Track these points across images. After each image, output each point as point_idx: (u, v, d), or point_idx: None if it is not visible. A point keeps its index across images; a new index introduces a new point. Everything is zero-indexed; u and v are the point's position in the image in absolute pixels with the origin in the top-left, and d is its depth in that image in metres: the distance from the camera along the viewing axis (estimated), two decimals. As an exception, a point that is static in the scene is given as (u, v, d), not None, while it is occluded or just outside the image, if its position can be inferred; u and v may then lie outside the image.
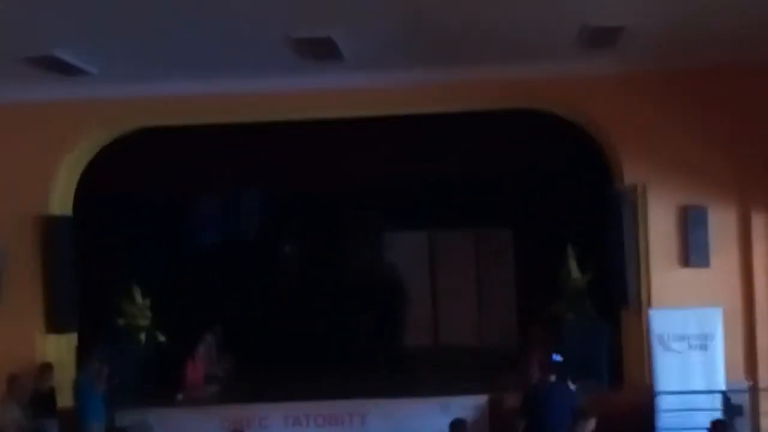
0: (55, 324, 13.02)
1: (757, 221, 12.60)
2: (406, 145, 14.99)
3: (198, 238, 17.61)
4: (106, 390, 12.12)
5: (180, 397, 13.51)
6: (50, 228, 13.07)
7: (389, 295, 17.45)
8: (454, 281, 17.62)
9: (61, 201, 13.40)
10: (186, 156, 14.90)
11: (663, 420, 11.72)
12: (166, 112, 13.09)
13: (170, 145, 14.39)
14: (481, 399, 12.72)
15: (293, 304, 17.04)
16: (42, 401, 12.00)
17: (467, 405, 12.49)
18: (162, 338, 13.97)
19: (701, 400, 11.60)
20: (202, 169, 15.35)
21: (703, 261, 12.59)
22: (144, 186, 15.05)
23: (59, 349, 13.16)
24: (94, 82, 12.10)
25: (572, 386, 11.11)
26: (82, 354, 13.25)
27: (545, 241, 15.09)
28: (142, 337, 13.76)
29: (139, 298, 13.91)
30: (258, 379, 14.53)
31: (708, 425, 9.83)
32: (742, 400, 12.07)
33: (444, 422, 10.84)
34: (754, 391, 12.31)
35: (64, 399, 12.57)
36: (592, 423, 9.68)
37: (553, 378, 11.00)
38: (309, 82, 12.60)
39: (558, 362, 12.10)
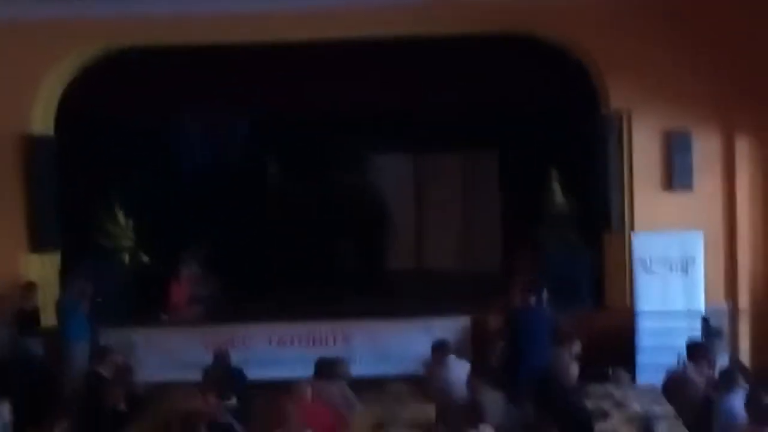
0: (37, 243, 13.01)
1: (740, 145, 12.63)
2: (393, 69, 14.84)
3: (183, 160, 17.44)
4: (89, 309, 12.17)
5: (164, 317, 13.59)
6: (31, 148, 12.99)
7: (374, 219, 17.46)
8: (438, 205, 17.61)
9: (42, 121, 13.29)
10: (171, 78, 14.72)
11: (643, 341, 11.88)
12: (149, 31, 12.90)
13: (155, 67, 14.21)
14: (464, 321, 12.82)
15: (278, 227, 17.01)
16: (26, 320, 12.05)
17: (450, 327, 12.59)
18: (146, 259, 13.99)
19: (681, 323, 11.75)
20: (187, 91, 15.18)
21: (687, 185, 12.64)
22: (128, 108, 14.84)
23: (42, 269, 13.17)
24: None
25: (552, 310, 11.22)
26: (66, 274, 13.28)
27: (531, 166, 15.07)
28: (126, 257, 13.78)
29: (122, 218, 13.89)
30: (242, 300, 14.59)
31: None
32: (722, 322, 12.23)
33: (427, 343, 10.98)
34: (733, 313, 12.48)
35: (48, 318, 12.63)
36: (577, 345, 9.81)
37: (533, 301, 11.11)
38: (296, 2, 12.46)
39: (539, 286, 12.23)
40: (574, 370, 9.27)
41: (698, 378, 9.29)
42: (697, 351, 9.78)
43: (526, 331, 10.66)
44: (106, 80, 13.80)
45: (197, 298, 14.41)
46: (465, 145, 16.24)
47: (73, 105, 13.70)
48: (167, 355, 12.72)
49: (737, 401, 8.24)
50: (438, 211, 17.31)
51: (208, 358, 10.87)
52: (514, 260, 14.12)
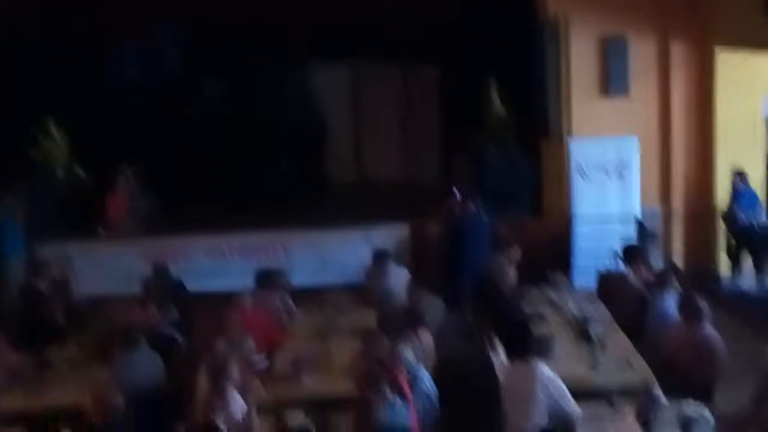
0: (-31, 159, 12.77)
1: (675, 51, 12.71)
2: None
3: (115, 73, 17.12)
4: (24, 225, 12.00)
5: (101, 230, 13.44)
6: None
7: (312, 129, 17.34)
8: (378, 116, 17.52)
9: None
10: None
11: (580, 245, 12.06)
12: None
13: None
14: (403, 229, 12.87)
15: (215, 139, 16.83)
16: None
17: (389, 235, 12.64)
18: (80, 172, 13.77)
19: (616, 226, 11.94)
20: (118, 3, 14.87)
21: (623, 91, 12.71)
22: (58, 20, 14.51)
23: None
24: None
25: (490, 217, 11.31)
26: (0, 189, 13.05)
27: (469, 74, 15.03)
28: (60, 171, 13.54)
29: (55, 132, 13.60)
30: (180, 213, 14.46)
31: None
32: (656, 225, 12.45)
33: (366, 252, 11.04)
34: (666, 217, 12.70)
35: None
36: (515, 251, 9.92)
37: (472, 209, 11.19)
38: None
39: (476, 195, 12.32)
40: (512, 275, 9.42)
41: (633, 279, 9.47)
42: (631, 253, 9.94)
43: (465, 239, 10.77)
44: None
45: (134, 211, 14.25)
46: (404, 54, 16.08)
47: (3, 19, 13.28)
48: (105, 268, 12.60)
49: (670, 302, 8.42)
50: (377, 121, 17.21)
51: (147, 271, 10.79)
52: (453, 169, 14.16)
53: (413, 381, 7.16)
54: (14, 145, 14.07)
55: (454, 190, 13.09)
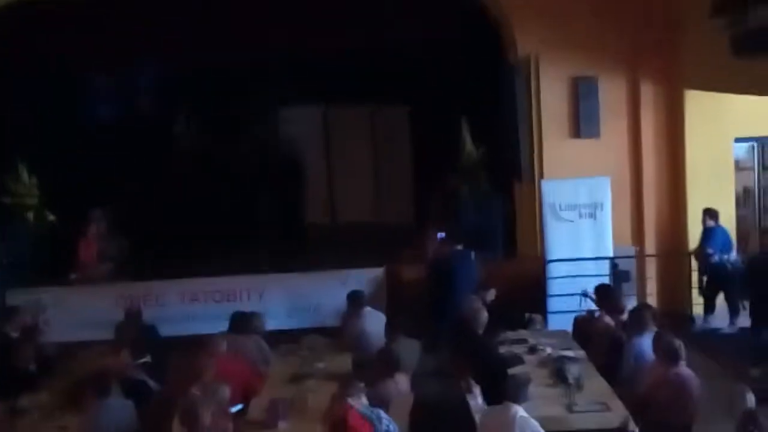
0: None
1: (645, 91, 12.85)
2: (304, 16, 14.71)
3: (88, 114, 17.10)
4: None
5: (73, 276, 13.31)
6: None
7: (285, 172, 17.33)
8: (350, 157, 17.57)
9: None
10: (77, 27, 14.35)
11: (554, 287, 12.06)
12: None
13: (60, 18, 13.84)
14: (379, 272, 12.85)
15: (187, 181, 16.77)
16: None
17: (365, 278, 12.59)
18: (51, 217, 13.67)
19: (590, 267, 11.96)
20: (94, 41, 14.83)
21: (594, 132, 12.82)
22: (32, 59, 14.46)
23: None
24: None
25: (474, 258, 11.31)
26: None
27: (441, 116, 15.12)
28: (30, 216, 13.42)
29: (25, 176, 13.51)
30: (153, 257, 14.37)
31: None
32: (629, 265, 12.48)
33: (342, 295, 10.97)
34: (640, 256, 12.75)
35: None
36: (490, 293, 9.93)
37: (455, 250, 11.18)
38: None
39: (444, 239, 12.32)
40: (484, 316, 9.36)
41: (607, 320, 9.47)
42: (605, 294, 9.97)
43: (452, 279, 10.71)
44: (8, 31, 13.36)
45: (106, 256, 14.14)
46: (375, 96, 16.17)
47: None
48: (77, 314, 12.45)
49: (646, 342, 8.43)
50: (349, 163, 17.24)
51: (119, 317, 10.69)
52: (428, 210, 14.20)
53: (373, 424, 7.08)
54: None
55: (437, 230, 13.14)
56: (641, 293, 12.57)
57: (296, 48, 15.15)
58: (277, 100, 17.42)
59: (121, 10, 13.93)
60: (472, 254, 11.26)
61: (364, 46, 14.86)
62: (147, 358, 9.25)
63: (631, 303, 10.57)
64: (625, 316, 9.46)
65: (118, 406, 7.91)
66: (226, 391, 7.82)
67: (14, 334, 9.96)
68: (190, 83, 16.66)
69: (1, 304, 11.66)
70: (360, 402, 7.20)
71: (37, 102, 15.61)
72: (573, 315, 10.51)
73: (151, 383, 8.85)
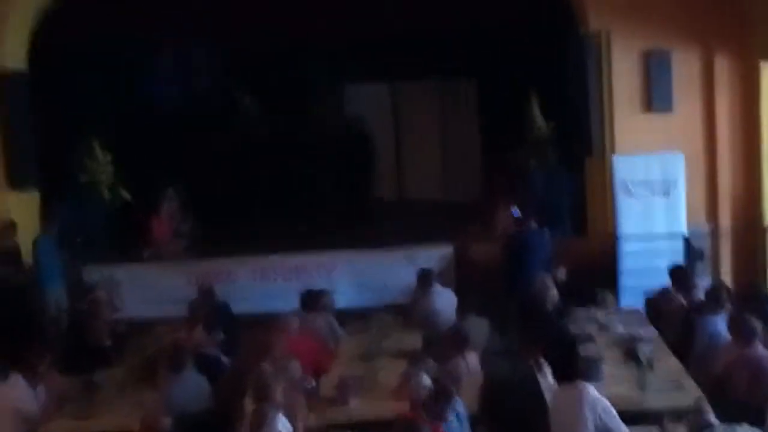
0: (15, 182, 12.88)
1: (720, 66, 12.54)
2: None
3: (157, 93, 17.31)
4: (66, 248, 12.15)
5: (146, 253, 13.54)
6: (5, 83, 12.79)
7: (353, 149, 17.34)
8: (417, 133, 17.52)
9: (14, 55, 13.06)
10: (145, 10, 14.55)
11: (626, 264, 11.93)
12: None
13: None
14: (447, 249, 12.82)
15: (256, 159, 16.89)
16: (5, 260, 11.97)
17: (433, 256, 12.57)
18: (126, 195, 13.87)
19: (663, 245, 11.80)
20: (161, 24, 15.01)
21: (666, 106, 12.57)
22: (100, 40, 14.68)
23: (21, 208, 13.07)
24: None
25: (548, 235, 11.24)
26: (46, 212, 13.21)
27: (510, 91, 14.98)
28: (105, 193, 13.64)
29: (99, 153, 13.71)
30: (224, 234, 14.53)
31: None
32: (703, 243, 12.28)
33: (410, 273, 11.01)
34: (714, 234, 12.53)
35: (27, 257, 12.58)
36: (561, 271, 9.88)
37: (530, 226, 11.11)
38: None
39: (518, 216, 12.24)
40: (554, 294, 9.31)
41: (681, 299, 9.35)
42: (679, 273, 9.84)
43: (527, 256, 10.64)
44: (81, 13, 13.57)
45: (179, 233, 14.36)
46: (443, 71, 16.07)
47: (46, 39, 13.46)
48: (151, 291, 12.69)
49: (720, 322, 8.31)
50: (418, 139, 17.19)
51: (192, 294, 10.84)
52: (495, 186, 14.11)
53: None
54: (59, 167, 14.26)
55: (510, 207, 13.09)
56: (715, 272, 12.35)
57: (363, 24, 15.14)
58: (344, 77, 17.43)
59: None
60: (546, 231, 11.18)
61: (430, 22, 14.79)
62: (220, 335, 9.39)
63: (705, 282, 10.43)
64: (698, 295, 9.33)
65: (192, 382, 8.05)
66: (296, 367, 7.90)
67: (89, 311, 10.16)
68: (257, 61, 16.77)
69: (76, 281, 11.86)
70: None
71: (110, 82, 15.86)
72: (645, 292, 10.39)
73: (224, 359, 8.98)
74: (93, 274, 12.51)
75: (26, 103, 13.04)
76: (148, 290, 12.68)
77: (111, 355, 9.39)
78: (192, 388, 8.00)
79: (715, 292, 8.81)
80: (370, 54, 16.43)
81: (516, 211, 12.89)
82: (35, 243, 12.21)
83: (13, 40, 13.01)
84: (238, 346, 9.70)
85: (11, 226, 12.30)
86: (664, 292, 9.82)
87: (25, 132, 13.00)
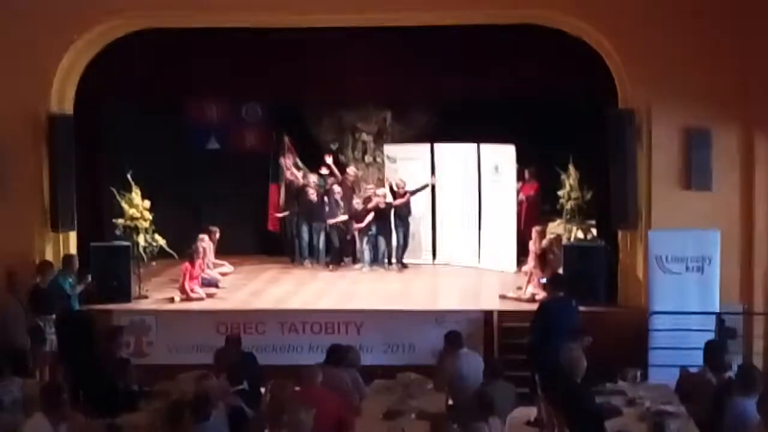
0: (54, 222, 13.08)
1: (759, 145, 12.53)
2: (409, 59, 14.89)
3: (197, 143, 17.54)
4: (81, 293, 12.30)
5: (177, 299, 13.62)
6: (51, 127, 13.03)
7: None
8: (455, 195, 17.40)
9: (61, 100, 13.33)
10: (188, 60, 14.82)
11: (656, 340, 11.83)
12: (167, 12, 12.96)
13: (172, 49, 14.30)
14: (477, 313, 12.81)
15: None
16: (40, 299, 12.07)
17: (462, 318, 12.59)
18: (161, 241, 13.99)
19: (695, 322, 11.69)
20: (203, 74, 15.27)
21: (706, 184, 12.54)
22: (145, 88, 14.94)
23: (57, 247, 13.24)
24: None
25: (577, 304, 11.17)
26: (82, 253, 13.35)
27: (549, 159, 15.01)
28: (141, 238, 13.77)
29: (138, 199, 13.86)
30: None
31: (700, 345, 9.92)
32: (736, 322, 12.15)
33: (438, 334, 10.95)
34: (748, 314, 12.39)
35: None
36: (587, 340, 9.78)
37: (560, 293, 11.06)
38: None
39: (546, 283, 12.19)
40: (582, 365, 9.19)
41: (711, 377, 9.22)
42: (711, 350, 9.70)
43: (552, 325, 10.56)
44: (125, 60, 13.83)
45: (210, 281, 14.46)
46: (482, 138, 16.11)
47: (91, 84, 13.73)
48: (180, 337, 12.76)
49: (750, 403, 8.17)
50: (454, 200, 17.10)
51: (219, 342, 10.87)
52: (530, 254, 14.09)
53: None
54: (97, 209, 14.44)
55: (539, 275, 13.08)
56: (747, 351, 12.20)
57: (401, 90, 15.40)
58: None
59: (230, 45, 14.33)
60: (573, 302, 11.13)
61: (472, 89, 14.93)
62: (244, 386, 9.37)
63: (736, 361, 10.30)
64: (729, 374, 9.20)
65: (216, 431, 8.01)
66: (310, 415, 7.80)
67: (119, 353, 10.19)
68: (296, 120, 17.13)
69: (108, 324, 11.92)
70: None
71: (149, 129, 16.14)
72: (674, 369, 10.26)
73: (248, 411, 8.94)
74: (124, 317, 12.60)
75: (71, 145, 13.26)
76: (176, 336, 12.76)
77: (136, 399, 9.39)
78: (215, 437, 7.96)
79: (745, 373, 8.67)
80: (409, 116, 16.77)
81: (543, 279, 12.88)
82: (55, 280, 12.27)
83: (60, 87, 13.29)
84: (261, 397, 9.67)
85: (46, 266, 12.41)
86: (696, 371, 9.66)
87: (68, 175, 13.21)
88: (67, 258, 12.65)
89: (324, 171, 16.44)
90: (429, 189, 16.61)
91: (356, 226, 16.02)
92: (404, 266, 16.14)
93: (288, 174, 16.38)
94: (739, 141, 12.63)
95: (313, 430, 8.09)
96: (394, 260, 16.22)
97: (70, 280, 12.30)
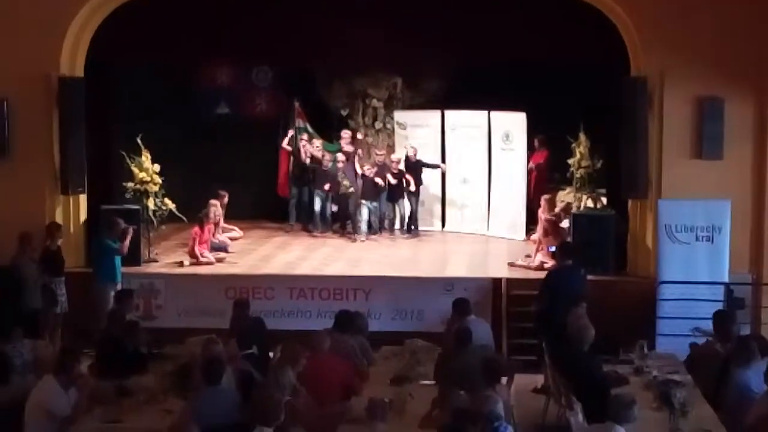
0: (65, 185, 13.09)
1: (772, 114, 12.48)
2: (420, 26, 14.78)
3: (207, 107, 17.53)
4: (126, 252, 12.32)
5: (186, 263, 13.67)
6: (61, 89, 13.01)
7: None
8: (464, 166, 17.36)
9: (71, 62, 13.30)
10: (198, 23, 14.73)
11: (665, 309, 11.83)
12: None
13: (183, 11, 14.22)
14: (485, 281, 12.83)
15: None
16: (51, 260, 12.14)
17: (471, 285, 12.61)
18: (171, 205, 14.01)
19: (704, 291, 11.69)
20: (214, 39, 15.18)
21: (716, 153, 12.48)
22: (155, 51, 14.88)
23: (68, 210, 13.28)
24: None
25: (584, 273, 11.18)
26: (92, 216, 13.38)
27: (560, 127, 14.95)
28: (150, 202, 13.78)
29: (148, 163, 13.87)
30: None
31: (708, 315, 9.93)
32: (745, 293, 12.14)
33: (447, 301, 10.96)
34: (757, 284, 12.38)
35: (71, 260, 12.76)
36: (582, 306, 9.81)
37: (568, 262, 11.07)
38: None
39: (554, 252, 12.19)
40: (590, 333, 9.19)
41: (718, 347, 9.23)
42: (719, 320, 9.70)
43: (559, 293, 10.58)
44: (135, 23, 13.78)
45: (220, 246, 14.49)
46: (493, 104, 16.04)
47: (101, 47, 13.69)
48: (189, 301, 12.82)
49: (751, 373, 8.18)
50: (464, 167, 17.05)
51: (228, 307, 10.91)
52: (540, 222, 14.07)
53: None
54: (107, 172, 14.45)
55: (548, 243, 13.08)
56: (756, 322, 12.20)
57: (413, 55, 15.30)
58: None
59: (240, 10, 14.25)
60: (582, 270, 11.12)
61: (483, 55, 14.82)
62: (253, 350, 9.41)
63: (744, 331, 10.30)
64: (736, 344, 9.19)
65: (226, 395, 8.04)
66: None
67: (129, 316, 10.25)
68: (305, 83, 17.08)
69: (117, 287, 11.98)
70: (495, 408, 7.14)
71: (159, 93, 16.12)
72: (682, 338, 10.27)
73: (257, 375, 8.99)
74: (133, 281, 12.65)
75: (81, 109, 13.24)
76: (186, 300, 12.82)
77: (146, 361, 9.45)
78: (224, 400, 7.99)
79: (746, 344, 8.66)
80: (421, 82, 16.67)
81: (551, 248, 12.88)
82: (99, 243, 12.31)
83: (71, 50, 13.25)
84: (269, 362, 9.70)
85: (56, 228, 12.46)
86: (707, 343, 9.67)
87: (78, 138, 13.20)
88: (110, 221, 12.55)
89: (344, 145, 16.36)
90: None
91: (378, 180, 15.86)
92: (416, 232, 16.12)
93: (299, 141, 16.36)
94: (753, 111, 12.55)
95: (322, 395, 8.18)
96: (404, 227, 16.23)
97: (116, 244, 12.25)
